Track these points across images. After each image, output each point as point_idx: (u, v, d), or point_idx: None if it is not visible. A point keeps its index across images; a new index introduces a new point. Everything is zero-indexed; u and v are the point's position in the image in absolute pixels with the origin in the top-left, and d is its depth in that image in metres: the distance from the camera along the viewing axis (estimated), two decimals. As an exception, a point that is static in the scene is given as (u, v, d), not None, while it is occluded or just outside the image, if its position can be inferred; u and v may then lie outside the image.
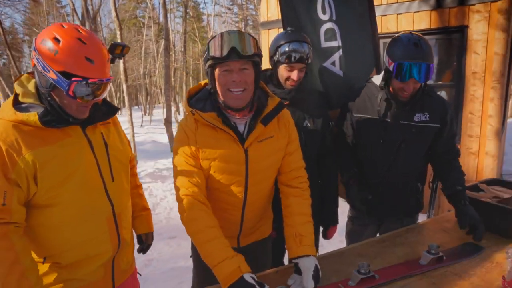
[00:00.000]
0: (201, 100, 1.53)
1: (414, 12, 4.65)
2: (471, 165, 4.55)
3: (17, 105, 1.24)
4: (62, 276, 1.34)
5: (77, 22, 10.27)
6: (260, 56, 1.45)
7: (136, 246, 1.79)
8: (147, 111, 26.54)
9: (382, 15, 4.87)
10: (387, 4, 4.81)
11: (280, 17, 5.81)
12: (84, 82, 1.16)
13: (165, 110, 9.33)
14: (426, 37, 4.82)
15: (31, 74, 1.32)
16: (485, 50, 4.23)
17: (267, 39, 6.04)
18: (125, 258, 1.53)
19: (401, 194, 2.13)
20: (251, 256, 1.61)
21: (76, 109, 1.25)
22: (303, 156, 1.71)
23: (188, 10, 18.07)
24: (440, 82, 4.81)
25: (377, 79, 2.07)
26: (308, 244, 1.50)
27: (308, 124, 2.00)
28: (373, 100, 2.03)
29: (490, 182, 2.22)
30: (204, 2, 43.47)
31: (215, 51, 1.37)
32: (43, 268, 1.32)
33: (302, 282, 1.41)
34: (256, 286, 1.28)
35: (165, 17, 8.74)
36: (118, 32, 6.57)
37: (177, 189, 1.47)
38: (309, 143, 1.97)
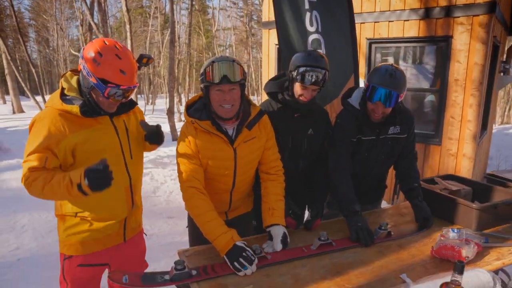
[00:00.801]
0: (198, 110, 1.91)
1: (404, 20, 4.98)
2: (450, 165, 4.90)
3: (63, 96, 1.61)
4: (87, 227, 1.72)
5: (86, 11, 10.58)
6: (245, 79, 1.83)
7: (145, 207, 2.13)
8: (150, 101, 26.85)
9: (375, 22, 5.20)
10: (379, 11, 5.13)
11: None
12: (117, 88, 1.53)
13: (168, 100, 9.65)
14: (415, 44, 5.20)
15: (73, 71, 1.69)
16: (467, 60, 4.57)
17: (267, 38, 6.35)
18: (134, 218, 1.91)
19: (372, 187, 2.50)
20: (236, 225, 1.99)
21: (107, 105, 1.62)
22: (304, 159, 2.20)
23: (194, 3, 18.31)
24: (426, 87, 5.14)
25: (354, 100, 2.31)
26: (278, 216, 1.88)
27: (312, 132, 2.28)
28: (360, 123, 2.24)
29: (445, 177, 2.58)
30: (210, -5, 43.48)
31: (211, 78, 1.74)
32: (75, 220, 1.71)
33: (273, 245, 1.80)
34: (246, 248, 1.68)
35: (172, 11, 9.06)
36: (128, 26, 6.89)
37: (182, 182, 1.85)
38: (310, 148, 2.29)
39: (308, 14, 2.75)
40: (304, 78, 2.05)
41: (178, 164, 1.89)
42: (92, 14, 10.13)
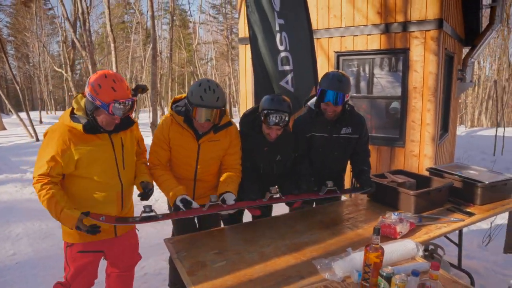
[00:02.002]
0: (180, 106, 2.33)
1: (367, 35, 5.48)
2: (414, 165, 5.37)
3: (72, 114, 1.98)
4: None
5: (68, 27, 10.78)
6: (224, 105, 2.23)
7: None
8: (134, 115, 26.95)
9: (341, 36, 5.69)
10: (345, 27, 5.63)
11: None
12: (118, 103, 1.89)
13: (151, 114, 9.96)
14: (377, 56, 5.70)
15: (83, 93, 2.03)
16: (423, 69, 5.08)
17: (244, 53, 6.76)
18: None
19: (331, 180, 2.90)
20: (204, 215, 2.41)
21: (106, 124, 1.97)
22: (279, 176, 2.64)
23: (174, 18, 18.73)
24: (390, 95, 5.63)
25: (312, 103, 2.75)
26: (231, 188, 2.30)
27: (280, 158, 2.65)
28: (314, 121, 2.68)
29: (395, 172, 3.01)
30: (190, 10, 44.13)
31: (197, 115, 2.16)
32: None
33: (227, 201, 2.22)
34: (187, 198, 2.16)
35: (153, 27, 9.44)
36: (112, 45, 7.23)
37: (151, 157, 2.36)
38: (279, 171, 2.67)
39: (278, 35, 3.19)
40: (269, 119, 2.36)
41: (152, 143, 2.37)
42: (75, 32, 10.37)
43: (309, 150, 2.72)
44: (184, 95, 2.40)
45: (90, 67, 8.91)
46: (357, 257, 1.77)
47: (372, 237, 1.58)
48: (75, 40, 9.79)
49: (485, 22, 7.57)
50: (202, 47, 31.37)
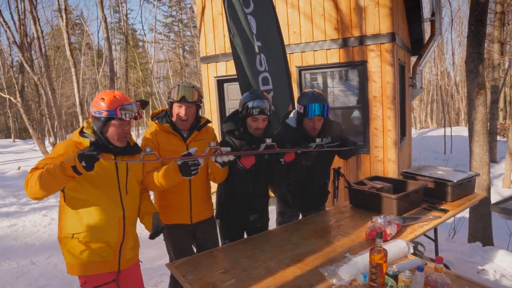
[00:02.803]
0: (160, 117, 2.50)
1: (326, 49, 5.80)
2: (379, 169, 5.70)
3: (81, 133, 2.02)
4: (84, 248, 2.01)
5: (16, 49, 10.25)
6: (200, 100, 2.43)
7: (142, 241, 2.41)
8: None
9: (302, 52, 5.96)
10: (305, 42, 5.91)
11: (216, 52, 6.73)
12: (123, 106, 1.97)
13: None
14: (337, 69, 6.03)
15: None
16: (381, 80, 5.45)
17: (206, 72, 6.85)
18: (130, 250, 2.18)
19: (316, 193, 3.04)
20: (200, 229, 2.56)
21: (117, 137, 2.01)
22: (267, 176, 2.72)
23: (128, 39, 18.45)
24: (352, 104, 5.96)
25: (290, 121, 2.87)
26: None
27: (267, 157, 2.68)
28: (293, 137, 2.75)
29: (372, 178, 3.22)
30: (143, 29, 43.74)
31: (174, 96, 2.35)
32: (72, 241, 2.01)
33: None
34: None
35: (110, 49, 9.28)
36: (73, 70, 7.05)
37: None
38: (268, 169, 2.72)
39: (258, 57, 3.34)
40: (253, 110, 2.43)
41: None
42: (23, 56, 9.90)
43: (294, 166, 2.77)
44: (161, 109, 2.61)
45: (49, 93, 8.54)
46: (359, 260, 1.91)
47: (376, 240, 1.73)
48: (26, 66, 9.35)
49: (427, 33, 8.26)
50: (155, 66, 31.05)
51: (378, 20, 5.35)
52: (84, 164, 1.72)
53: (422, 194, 2.90)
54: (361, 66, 5.61)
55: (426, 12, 7.64)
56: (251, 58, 3.36)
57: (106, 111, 1.95)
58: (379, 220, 2.43)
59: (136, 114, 2.02)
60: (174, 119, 2.43)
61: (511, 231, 4.65)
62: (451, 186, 2.90)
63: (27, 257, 4.47)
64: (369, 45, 5.45)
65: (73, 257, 2.03)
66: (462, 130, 14.09)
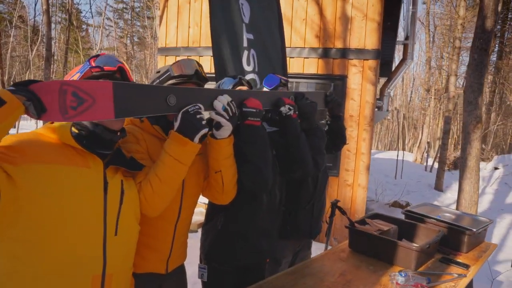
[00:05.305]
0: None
1: (304, 57, 5.27)
2: (347, 195, 5.25)
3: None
4: None
5: None
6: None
7: None
8: (15, 125, 23.12)
9: (277, 57, 5.38)
10: (282, 48, 5.34)
11: (177, 45, 5.91)
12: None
13: (42, 122, 8.34)
14: (313, 81, 5.49)
15: None
16: (360, 98, 5.03)
17: (164, 64, 6.04)
18: None
19: (315, 216, 2.50)
20: (173, 280, 1.75)
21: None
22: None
23: (71, 18, 16.67)
24: (323, 121, 5.47)
25: None
26: None
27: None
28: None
29: (373, 217, 2.66)
30: (91, 11, 40.47)
31: (181, 71, 1.59)
32: None
33: None
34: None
35: (49, 24, 7.92)
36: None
37: None
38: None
39: (246, 53, 2.61)
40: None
41: None
42: None
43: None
44: None
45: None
46: None
47: None
48: None
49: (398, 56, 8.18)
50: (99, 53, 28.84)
51: (364, 33, 4.94)
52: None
53: (438, 243, 2.41)
54: (340, 81, 5.15)
55: (399, 36, 7.52)
56: (236, 54, 2.63)
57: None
58: (400, 278, 1.87)
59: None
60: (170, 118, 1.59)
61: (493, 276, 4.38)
62: (468, 235, 2.43)
63: None
64: (352, 59, 5.02)
65: None
66: (407, 155, 14.62)
